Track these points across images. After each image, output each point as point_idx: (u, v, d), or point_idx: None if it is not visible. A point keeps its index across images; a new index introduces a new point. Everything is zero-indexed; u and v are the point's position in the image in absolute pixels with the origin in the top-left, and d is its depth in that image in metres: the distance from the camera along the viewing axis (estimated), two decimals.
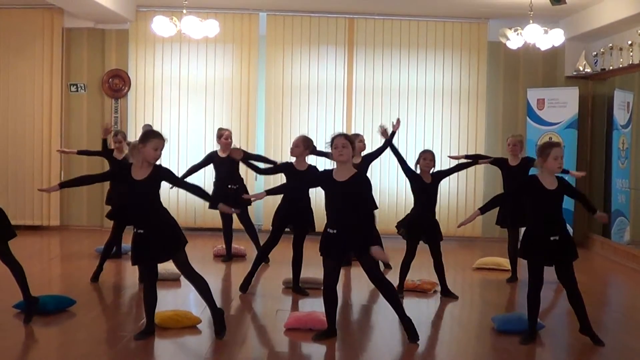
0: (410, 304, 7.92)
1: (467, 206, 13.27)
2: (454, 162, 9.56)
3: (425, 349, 6.67)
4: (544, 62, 13.49)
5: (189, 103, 13.52)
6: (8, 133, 13.28)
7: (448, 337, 7.38)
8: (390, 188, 13.45)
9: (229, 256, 10.71)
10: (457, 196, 13.15)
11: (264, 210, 13.11)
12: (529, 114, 13.30)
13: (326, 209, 6.66)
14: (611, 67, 12.25)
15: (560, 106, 12.92)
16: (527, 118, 13.34)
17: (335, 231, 6.51)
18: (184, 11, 10.85)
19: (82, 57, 13.58)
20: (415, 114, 13.56)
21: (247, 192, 10.64)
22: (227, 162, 10.31)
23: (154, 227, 6.39)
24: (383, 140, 9.40)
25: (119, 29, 13.47)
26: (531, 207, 6.73)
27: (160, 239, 6.41)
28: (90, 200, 13.50)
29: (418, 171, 8.60)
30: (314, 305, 7.71)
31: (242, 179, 10.64)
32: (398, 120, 9.46)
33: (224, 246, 10.84)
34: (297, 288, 8.63)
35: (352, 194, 6.48)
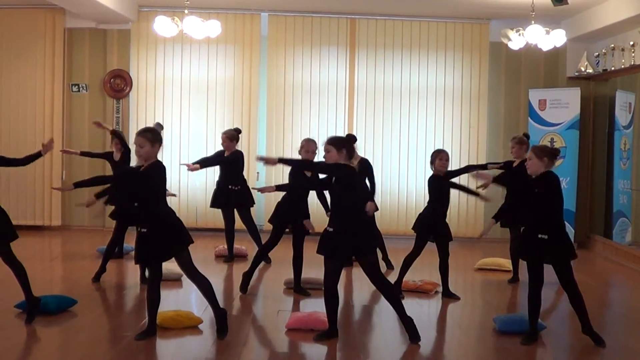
0: (412, 305, 7.92)
1: (468, 208, 13.26)
2: (453, 165, 9.56)
3: (427, 349, 6.67)
4: (546, 62, 13.49)
5: (190, 103, 13.52)
6: (9, 133, 13.29)
7: (449, 338, 7.38)
8: (391, 188, 13.44)
9: (230, 256, 10.71)
10: (459, 197, 13.13)
11: (265, 210, 13.10)
12: (530, 114, 13.30)
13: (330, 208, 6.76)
14: (613, 68, 12.25)
15: (562, 107, 12.91)
16: (528, 119, 13.33)
17: (332, 229, 6.56)
18: (186, 11, 10.85)
19: (84, 57, 13.59)
20: (417, 114, 13.55)
21: (249, 193, 10.66)
22: (228, 162, 10.37)
23: (157, 225, 6.39)
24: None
25: (121, 29, 13.47)
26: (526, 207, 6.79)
27: (162, 238, 6.41)
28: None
29: (431, 171, 8.59)
30: (315, 306, 7.71)
31: (245, 180, 10.65)
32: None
33: (225, 246, 10.84)
34: (298, 288, 8.64)
35: (343, 192, 6.56)
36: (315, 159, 8.81)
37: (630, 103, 12.27)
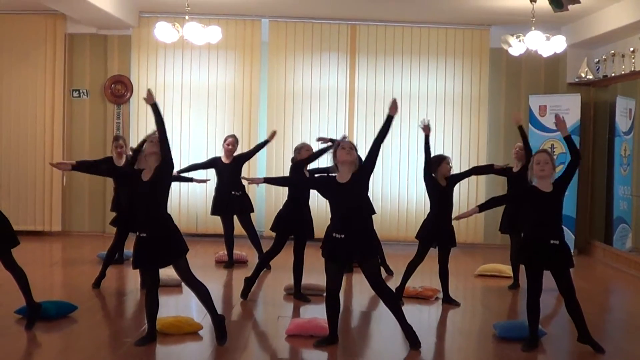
0: (412, 311, 7.91)
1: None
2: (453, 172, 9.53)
3: (427, 355, 6.67)
4: (546, 68, 13.50)
5: (191, 109, 13.53)
6: (10, 138, 13.29)
7: (450, 344, 7.38)
8: (391, 194, 13.44)
9: (230, 262, 10.71)
10: (458, 202, 13.08)
11: (265, 216, 13.11)
12: (531, 120, 13.30)
13: (332, 214, 6.67)
14: (613, 74, 12.25)
15: (562, 113, 12.85)
16: (529, 125, 13.33)
17: (343, 236, 6.51)
18: (187, 17, 10.87)
19: (85, 63, 13.60)
20: (417, 120, 13.48)
21: (249, 199, 10.70)
22: (230, 168, 10.39)
23: (157, 230, 6.40)
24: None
25: (122, 35, 13.49)
26: (530, 212, 6.74)
27: (163, 244, 6.42)
28: (92, 206, 13.52)
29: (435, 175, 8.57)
30: (315, 312, 7.71)
31: (244, 186, 10.66)
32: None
33: (225, 252, 10.84)
34: (298, 294, 8.63)
35: (354, 195, 6.54)
36: (313, 164, 8.84)
37: (631, 109, 12.28)
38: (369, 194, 6.81)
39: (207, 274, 9.60)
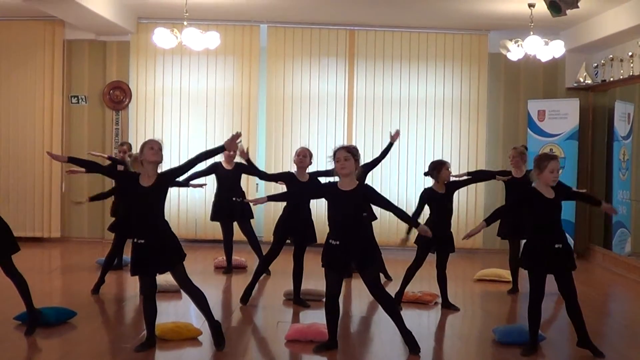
0: (411, 316, 7.91)
1: (467, 219, 13.26)
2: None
3: None
4: (545, 73, 13.51)
5: (190, 115, 13.53)
6: (9, 144, 13.29)
7: (449, 349, 7.37)
8: (390, 199, 13.34)
9: (229, 268, 10.70)
10: (457, 209, 13.04)
11: (264, 222, 13.11)
12: (529, 125, 13.31)
13: (329, 220, 6.66)
14: (612, 79, 12.26)
15: (561, 117, 12.93)
16: (527, 129, 13.35)
17: (338, 242, 6.52)
18: (185, 23, 10.87)
19: (83, 69, 13.60)
20: (416, 125, 13.57)
21: (249, 205, 10.67)
22: (230, 174, 10.38)
23: (155, 237, 6.40)
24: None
25: (120, 41, 13.49)
26: (532, 217, 6.73)
27: (161, 250, 6.42)
28: (91, 212, 13.49)
29: (434, 181, 8.53)
30: (314, 317, 7.71)
31: (244, 192, 10.67)
32: (397, 132, 9.70)
33: (224, 258, 10.83)
34: (297, 300, 8.63)
35: (355, 205, 6.52)
36: (313, 167, 8.84)
37: (629, 114, 12.28)
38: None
39: (206, 279, 9.62)
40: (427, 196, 8.52)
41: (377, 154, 11.27)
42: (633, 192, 12.16)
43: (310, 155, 8.71)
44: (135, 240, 6.46)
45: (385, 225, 13.03)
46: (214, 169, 10.55)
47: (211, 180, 10.74)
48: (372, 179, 12.27)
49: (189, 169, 6.82)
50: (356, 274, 7.51)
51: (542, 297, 6.71)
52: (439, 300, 8.80)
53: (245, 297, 8.65)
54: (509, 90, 13.73)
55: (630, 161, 12.15)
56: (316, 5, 12.04)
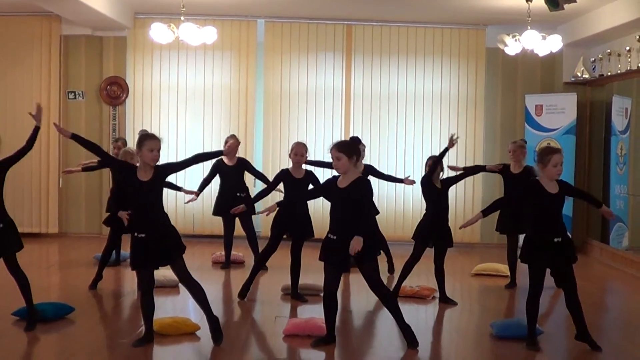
0: (409, 310, 7.91)
1: (465, 212, 13.26)
2: (453, 171, 9.54)
3: (424, 355, 6.68)
4: (542, 68, 13.51)
5: (187, 110, 13.53)
6: (6, 140, 13.10)
7: (447, 343, 7.37)
8: (389, 194, 13.42)
9: (227, 263, 10.69)
10: (455, 202, 13.09)
11: (262, 217, 13.08)
12: (527, 120, 13.32)
13: (330, 215, 6.67)
14: (609, 73, 12.26)
15: (559, 112, 12.93)
16: (525, 124, 13.35)
17: (335, 237, 6.52)
18: (182, 18, 10.85)
19: (80, 65, 13.58)
20: (414, 120, 13.57)
21: (251, 199, 10.64)
22: (233, 170, 10.35)
23: (155, 230, 6.40)
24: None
25: (117, 36, 13.47)
26: (534, 211, 6.72)
27: (161, 244, 6.41)
28: (88, 207, 13.51)
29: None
30: (312, 312, 7.72)
31: (247, 188, 10.65)
32: (411, 181, 9.61)
33: (222, 253, 10.83)
34: (295, 294, 8.63)
35: (352, 200, 6.50)
36: (309, 165, 8.84)
37: (627, 108, 12.29)
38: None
39: (204, 274, 9.61)
40: (428, 187, 8.53)
41: (373, 150, 11.34)
42: (630, 186, 12.18)
43: (306, 151, 8.70)
44: (135, 234, 6.45)
45: (385, 219, 13.00)
46: (217, 169, 10.47)
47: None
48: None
49: (185, 167, 6.79)
50: (354, 268, 7.51)
51: (541, 291, 6.72)
52: (437, 294, 8.80)
53: (243, 292, 8.64)
54: (506, 84, 13.72)
55: (628, 156, 12.16)
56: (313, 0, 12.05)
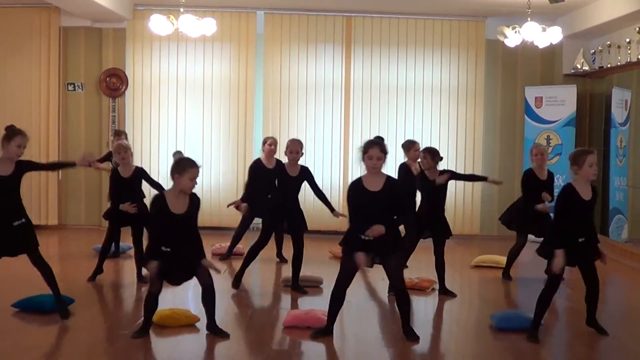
0: None
1: (465, 205, 13.27)
2: (448, 162, 9.54)
3: (424, 347, 6.68)
4: (542, 60, 13.49)
5: (186, 102, 13.52)
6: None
7: (446, 335, 7.38)
8: None
9: (228, 254, 10.68)
10: (454, 196, 13.08)
11: None
12: (527, 112, 13.31)
13: (356, 216, 6.53)
14: (609, 65, 12.25)
15: (558, 104, 12.93)
16: (525, 116, 13.35)
17: (372, 238, 6.42)
18: (181, 9, 10.84)
19: (80, 56, 13.56)
20: (413, 112, 13.56)
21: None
22: (271, 173, 9.46)
23: (187, 250, 6.61)
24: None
25: (116, 28, 13.45)
26: (565, 215, 6.64)
27: (187, 262, 6.58)
28: (88, 199, 13.51)
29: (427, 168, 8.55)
30: (312, 304, 7.73)
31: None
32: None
33: (222, 245, 10.82)
34: (296, 286, 8.63)
35: (387, 203, 6.45)
36: (309, 157, 8.83)
37: (627, 100, 12.29)
38: None
39: None
40: (422, 181, 8.55)
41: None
42: (630, 178, 12.18)
43: (302, 147, 8.67)
44: (163, 248, 6.44)
45: None
46: (278, 174, 9.31)
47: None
48: None
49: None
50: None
51: (557, 287, 6.74)
52: (436, 286, 8.80)
53: (237, 282, 8.67)
54: (506, 76, 13.71)
55: (628, 148, 12.16)
56: None
